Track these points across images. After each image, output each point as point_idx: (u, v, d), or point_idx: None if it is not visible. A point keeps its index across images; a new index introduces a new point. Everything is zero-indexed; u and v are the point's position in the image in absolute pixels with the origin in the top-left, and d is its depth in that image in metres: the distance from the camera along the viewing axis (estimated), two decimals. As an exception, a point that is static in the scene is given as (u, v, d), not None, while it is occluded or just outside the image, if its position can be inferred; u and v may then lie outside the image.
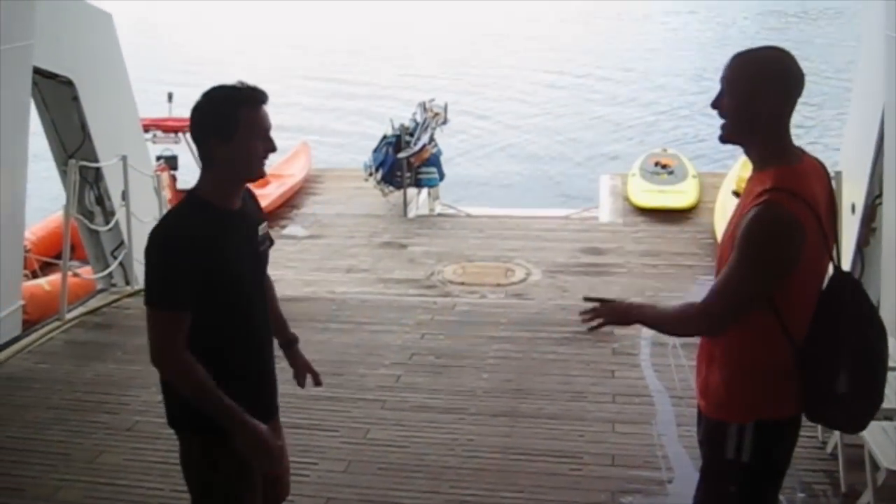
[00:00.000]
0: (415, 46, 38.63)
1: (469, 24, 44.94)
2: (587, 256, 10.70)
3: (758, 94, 2.90)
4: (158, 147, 12.74)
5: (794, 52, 2.96)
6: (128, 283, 8.94)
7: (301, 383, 3.77)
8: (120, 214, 8.82)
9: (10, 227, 7.52)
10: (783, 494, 4.79)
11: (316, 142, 19.93)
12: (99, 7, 8.96)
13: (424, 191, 13.72)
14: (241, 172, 3.14)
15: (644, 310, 3.25)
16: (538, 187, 19.61)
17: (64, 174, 8.40)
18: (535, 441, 5.68)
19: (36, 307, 8.36)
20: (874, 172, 6.96)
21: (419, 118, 13.97)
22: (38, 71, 7.69)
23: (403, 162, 12.79)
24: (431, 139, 13.67)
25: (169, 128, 12.85)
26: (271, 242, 3.47)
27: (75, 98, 8.35)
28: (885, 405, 4.82)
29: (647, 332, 7.47)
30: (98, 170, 8.66)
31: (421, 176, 13.34)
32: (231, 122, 3.02)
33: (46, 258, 10.38)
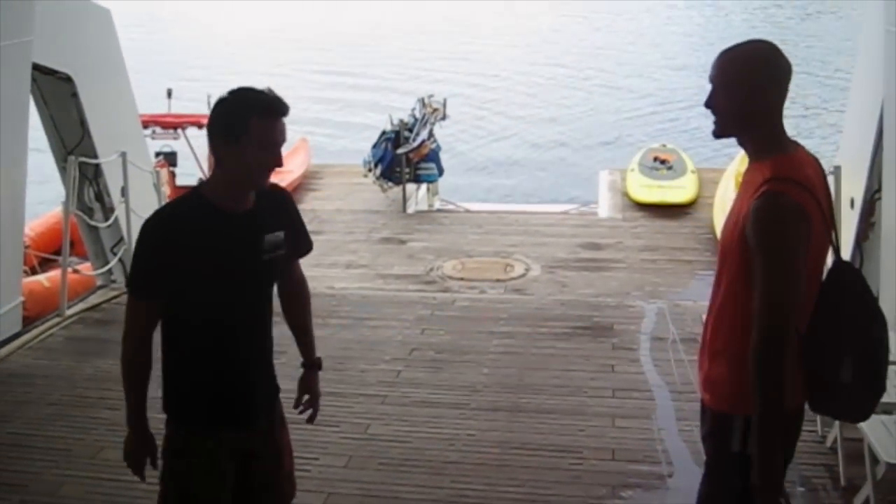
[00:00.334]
0: (416, 41, 38.63)
1: (468, 19, 44.95)
2: (586, 252, 10.71)
3: (754, 89, 2.92)
4: (158, 143, 12.74)
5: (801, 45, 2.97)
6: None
7: (296, 405, 3.67)
8: (119, 211, 8.82)
9: (10, 224, 7.52)
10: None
11: (318, 134, 20.04)
12: (98, 3, 8.95)
13: (423, 186, 13.73)
14: (242, 179, 3.09)
15: (760, 422, 2.86)
16: (538, 180, 19.68)
17: (63, 170, 8.40)
18: (535, 436, 5.69)
19: (35, 303, 8.36)
20: (873, 167, 6.96)
21: (418, 114, 13.97)
22: (37, 67, 7.69)
23: (402, 157, 12.78)
24: (430, 135, 13.67)
25: (168, 124, 12.84)
26: (300, 250, 3.47)
27: (74, 94, 8.34)
28: (884, 399, 4.87)
29: (646, 327, 7.50)
30: (97, 166, 8.66)
31: (420, 171, 13.34)
32: (239, 127, 3.00)
33: (45, 254, 10.38)
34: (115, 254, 8.93)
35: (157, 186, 9.70)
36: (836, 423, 5.09)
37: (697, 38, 37.27)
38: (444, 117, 14.57)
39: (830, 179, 6.98)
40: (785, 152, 2.95)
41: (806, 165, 2.97)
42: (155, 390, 3.25)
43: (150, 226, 3.11)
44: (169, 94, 13.04)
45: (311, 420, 3.69)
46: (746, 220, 2.86)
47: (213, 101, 3.11)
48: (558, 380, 6.50)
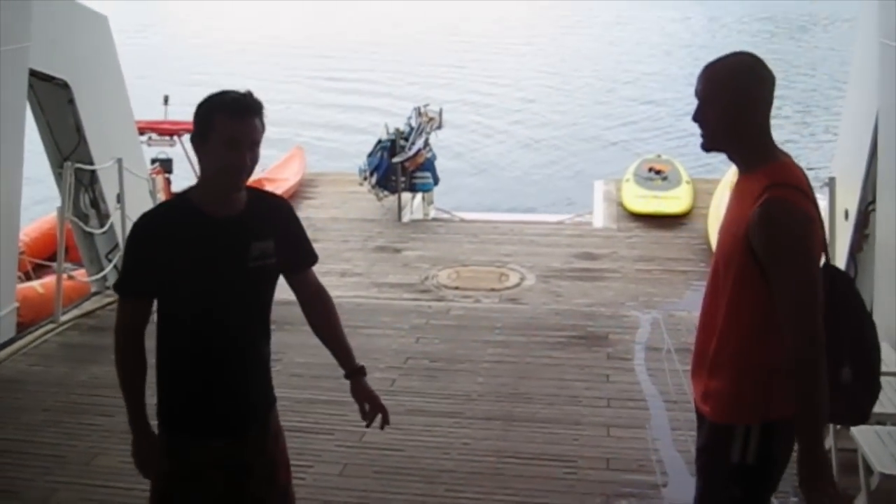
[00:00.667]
0: (415, 47, 38.76)
1: (465, 26, 45.08)
2: (581, 261, 10.71)
3: (739, 102, 2.94)
4: (154, 150, 12.74)
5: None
6: (122, 285, 8.91)
7: (364, 418, 3.54)
8: (115, 217, 8.81)
9: (5, 229, 7.52)
10: (777, 498, 4.81)
11: (314, 142, 20.05)
12: (95, 10, 8.95)
13: (419, 195, 13.73)
14: (214, 178, 3.08)
15: (808, 433, 2.88)
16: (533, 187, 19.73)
17: (59, 176, 8.39)
18: (530, 445, 5.69)
19: (29, 309, 8.35)
20: (867, 178, 6.98)
21: (414, 123, 13.99)
22: (33, 73, 7.70)
23: (398, 166, 12.79)
24: (426, 144, 13.69)
25: (164, 131, 12.83)
26: (301, 262, 3.45)
27: (71, 100, 8.34)
28: (878, 409, 4.88)
29: (641, 337, 7.51)
30: (93, 172, 8.66)
31: (415, 180, 13.34)
32: (207, 127, 3.01)
33: (40, 260, 10.37)
34: (110, 260, 8.92)
35: (152, 193, 9.71)
36: (831, 433, 5.09)
37: (694, 47, 37.42)
38: (439, 126, 14.59)
39: (825, 191, 7.07)
40: (778, 160, 2.98)
41: (798, 171, 3.00)
42: (149, 397, 3.26)
43: (135, 227, 3.16)
44: (165, 100, 13.05)
45: (382, 426, 3.56)
46: (750, 230, 2.86)
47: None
48: (553, 389, 6.51)
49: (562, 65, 35.25)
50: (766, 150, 3.00)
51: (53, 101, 8.36)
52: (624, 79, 32.51)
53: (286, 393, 5.35)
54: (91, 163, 8.56)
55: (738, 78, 2.96)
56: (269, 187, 13.64)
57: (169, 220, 3.13)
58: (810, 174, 3.14)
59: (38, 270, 10.29)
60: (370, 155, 13.36)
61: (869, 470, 4.53)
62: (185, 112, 3.47)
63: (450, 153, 19.52)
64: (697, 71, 3.07)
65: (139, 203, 8.89)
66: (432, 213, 13.92)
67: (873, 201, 6.88)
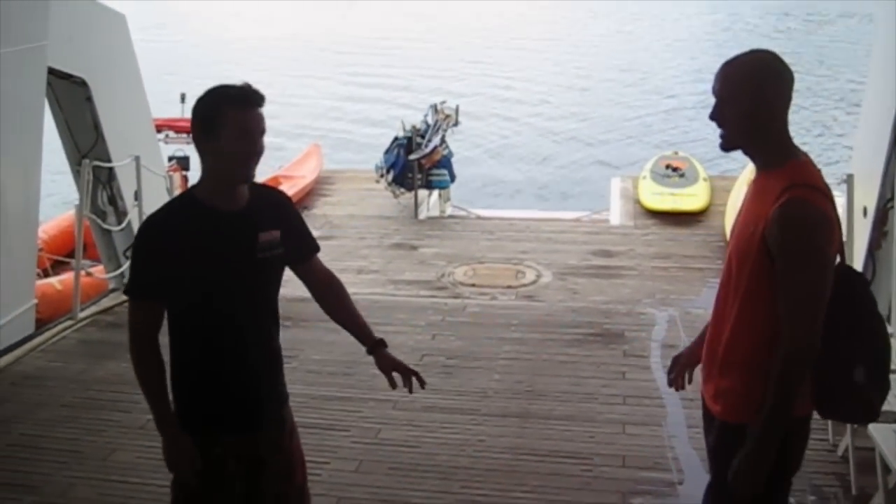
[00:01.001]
0: (432, 46, 38.77)
1: (485, 24, 45.05)
2: (598, 259, 10.70)
3: (757, 100, 2.92)
4: (171, 147, 12.79)
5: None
6: (140, 282, 8.95)
7: (393, 384, 3.58)
8: (132, 214, 8.85)
9: (24, 227, 7.57)
10: (794, 497, 4.79)
11: (330, 139, 20.12)
12: (113, 8, 8.99)
13: (435, 192, 13.73)
14: (226, 172, 3.11)
15: (766, 425, 2.90)
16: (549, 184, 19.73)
17: (77, 174, 8.44)
18: (545, 442, 5.69)
19: (48, 306, 8.39)
20: (886, 176, 6.94)
21: (430, 120, 13.98)
22: (52, 71, 7.74)
23: (414, 164, 12.80)
24: (442, 141, 13.68)
25: (181, 128, 12.86)
26: (305, 252, 3.45)
27: (89, 98, 8.38)
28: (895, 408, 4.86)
29: (657, 334, 7.49)
30: (111, 170, 8.70)
31: (432, 178, 13.34)
32: (216, 121, 3.03)
33: (58, 257, 10.43)
34: (127, 257, 8.95)
35: (169, 191, 9.75)
36: (848, 431, 5.08)
37: (711, 43, 37.27)
38: (456, 123, 14.57)
39: (843, 188, 7.04)
40: (798, 158, 2.96)
41: (816, 171, 2.98)
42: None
43: (144, 229, 3.18)
44: (182, 98, 13.08)
45: (422, 385, 3.61)
46: (768, 229, 2.84)
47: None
48: (569, 386, 6.50)
49: (582, 60, 35.17)
50: (785, 148, 2.98)
51: (71, 98, 8.40)
52: (641, 74, 32.45)
53: (302, 389, 5.39)
54: (109, 160, 8.60)
55: (756, 76, 2.94)
56: (285, 185, 13.70)
57: (177, 219, 3.13)
58: (826, 171, 3.13)
59: (57, 267, 10.35)
60: (387, 152, 13.36)
61: (886, 469, 4.51)
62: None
63: (470, 145, 19.56)
64: (716, 67, 3.06)
65: (156, 200, 8.92)
66: (449, 211, 13.92)
67: (892, 198, 6.85)
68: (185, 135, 12.86)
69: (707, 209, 12.37)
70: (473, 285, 9.87)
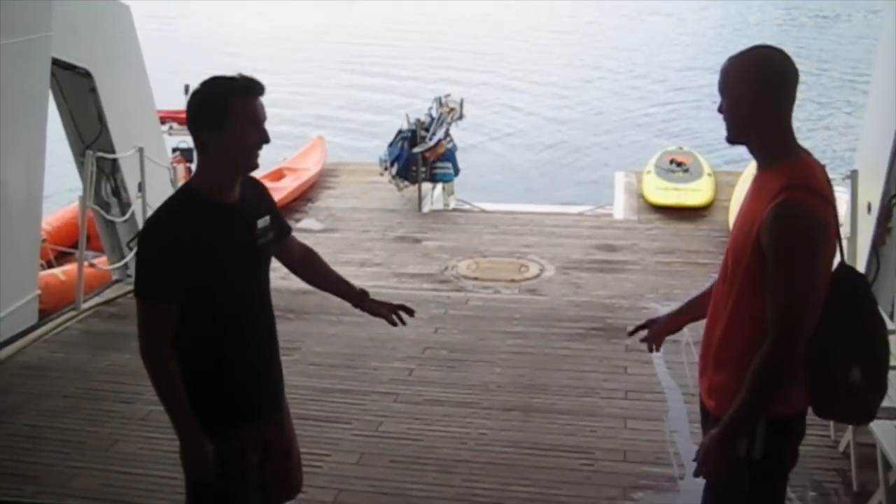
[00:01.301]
0: (440, 39, 38.75)
1: (488, 18, 45.01)
2: (601, 253, 10.69)
3: (758, 96, 2.91)
4: (175, 139, 12.79)
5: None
6: (143, 274, 8.97)
7: (393, 322, 3.77)
8: (136, 206, 8.86)
9: (28, 217, 7.58)
10: (795, 492, 4.81)
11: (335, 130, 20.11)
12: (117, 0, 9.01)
13: (439, 186, 13.72)
14: (232, 163, 3.13)
15: (734, 417, 2.92)
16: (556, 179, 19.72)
17: (81, 165, 8.44)
18: (547, 436, 5.70)
19: (51, 297, 8.41)
20: (891, 171, 6.93)
21: (435, 113, 13.97)
22: (56, 62, 7.74)
23: (418, 157, 12.78)
24: (447, 134, 13.67)
25: (185, 120, 12.85)
26: (283, 233, 3.51)
27: (93, 89, 8.39)
28: (897, 404, 4.85)
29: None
30: (115, 161, 8.70)
31: (436, 171, 13.33)
32: (222, 111, 3.04)
33: (62, 248, 10.44)
34: (131, 249, 8.96)
35: (173, 182, 9.73)
36: (849, 428, 5.07)
37: (715, 39, 37.20)
38: (460, 117, 14.55)
39: (847, 183, 7.02)
40: (798, 159, 2.94)
41: (817, 171, 2.96)
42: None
43: (151, 231, 3.15)
44: (186, 90, 13.06)
45: (408, 311, 3.79)
46: (762, 229, 2.84)
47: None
48: (571, 380, 6.50)
49: (589, 54, 35.13)
50: (787, 147, 2.97)
51: (76, 89, 8.40)
52: (646, 69, 32.41)
53: (304, 382, 5.41)
54: (113, 151, 8.60)
55: (760, 71, 2.93)
56: (289, 177, 13.71)
57: (183, 217, 3.11)
58: (829, 167, 3.12)
59: (60, 258, 10.37)
60: (391, 145, 13.35)
61: (887, 465, 4.51)
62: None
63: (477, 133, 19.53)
64: (723, 61, 3.05)
65: (160, 192, 8.92)
66: (452, 204, 13.90)
67: (896, 195, 6.83)
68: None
69: (711, 204, 12.34)
70: (476, 279, 9.87)
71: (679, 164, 13.49)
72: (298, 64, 32.52)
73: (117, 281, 8.92)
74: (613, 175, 14.97)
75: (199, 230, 3.08)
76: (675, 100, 27.21)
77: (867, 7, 39.28)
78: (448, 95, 14.57)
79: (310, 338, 7.07)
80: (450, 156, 13.54)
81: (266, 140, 3.13)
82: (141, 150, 8.71)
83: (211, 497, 3.31)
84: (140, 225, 8.85)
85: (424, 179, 13.05)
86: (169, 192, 9.24)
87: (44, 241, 9.31)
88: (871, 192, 7.15)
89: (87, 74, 8.31)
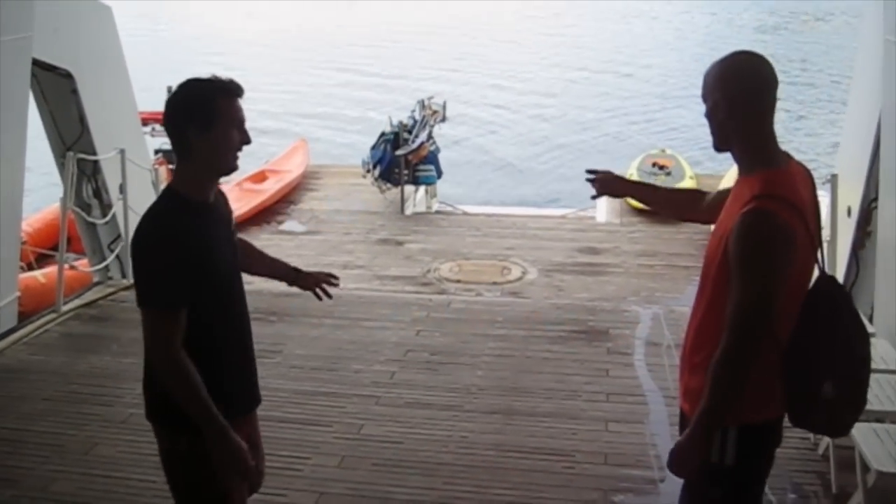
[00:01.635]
0: (423, 41, 38.82)
1: (475, 19, 45.11)
2: (583, 256, 10.71)
3: (732, 101, 2.91)
4: (157, 140, 12.73)
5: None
6: (124, 276, 8.95)
7: (317, 297, 3.84)
8: (117, 207, 8.82)
9: (8, 219, 7.52)
10: (775, 495, 4.84)
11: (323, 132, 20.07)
12: (99, 0, 8.95)
13: (422, 188, 13.73)
14: (217, 164, 3.13)
15: (699, 418, 2.95)
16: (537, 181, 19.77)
17: (62, 166, 8.39)
18: (528, 439, 5.70)
19: (31, 299, 8.37)
20: (870, 176, 6.97)
21: (418, 116, 13.98)
22: (37, 63, 7.69)
23: (401, 159, 12.78)
24: (430, 137, 13.68)
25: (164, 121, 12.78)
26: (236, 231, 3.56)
27: (74, 90, 8.34)
28: (876, 407, 4.90)
29: (641, 332, 7.51)
30: (96, 162, 8.66)
31: (419, 173, 13.33)
32: (209, 112, 3.04)
33: (42, 250, 10.38)
34: (112, 250, 8.93)
35: (155, 184, 9.70)
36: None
37: (698, 43, 37.35)
38: (443, 119, 14.57)
39: (827, 188, 7.06)
40: (775, 167, 2.94)
41: (796, 180, 2.95)
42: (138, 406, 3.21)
43: (148, 234, 3.08)
44: (169, 91, 13.01)
45: (335, 283, 3.89)
46: (730, 235, 2.85)
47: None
48: (553, 383, 6.50)
49: (572, 57, 35.23)
50: (766, 154, 2.96)
51: (57, 90, 8.35)
52: (626, 71, 32.53)
53: (285, 384, 5.39)
54: (94, 153, 8.56)
55: (736, 78, 2.93)
56: (272, 179, 13.69)
57: (179, 221, 3.09)
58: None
59: (41, 260, 10.32)
60: (374, 147, 13.35)
61: (866, 467, 4.53)
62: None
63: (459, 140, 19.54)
64: (706, 65, 3.05)
65: (142, 193, 8.91)
66: (435, 206, 13.92)
67: (876, 199, 6.87)
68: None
69: (693, 208, 12.36)
70: (459, 281, 9.87)
71: (661, 167, 13.53)
72: (282, 65, 32.51)
73: (98, 283, 8.88)
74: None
75: (194, 232, 3.08)
76: (659, 103, 27.32)
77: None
78: (431, 98, 14.59)
79: (291, 340, 7.05)
80: (432, 158, 13.55)
81: (247, 141, 3.15)
82: (122, 152, 8.67)
83: (213, 498, 3.31)
84: (121, 226, 8.82)
85: (407, 182, 13.05)
86: (151, 193, 9.29)
87: (24, 242, 9.24)
88: (852, 197, 7.19)
89: (68, 75, 8.27)
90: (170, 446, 3.29)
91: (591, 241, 11.27)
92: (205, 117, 3.04)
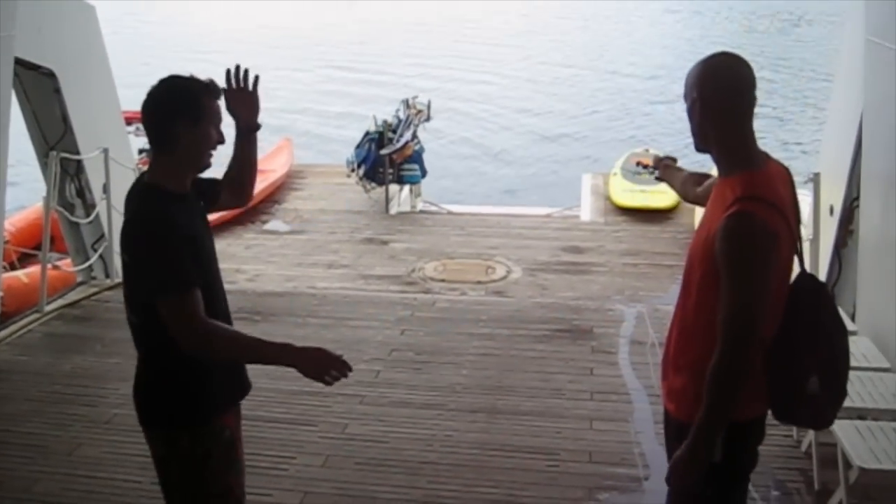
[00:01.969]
0: (410, 39, 38.86)
1: (462, 17, 45.17)
2: (568, 255, 10.74)
3: (708, 102, 2.93)
4: (141, 140, 12.67)
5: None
6: (108, 276, 8.92)
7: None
8: (101, 207, 8.79)
9: (-10, 219, 7.48)
10: (758, 492, 4.86)
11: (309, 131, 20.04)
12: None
13: (406, 187, 13.73)
14: (195, 159, 3.20)
15: (699, 427, 2.94)
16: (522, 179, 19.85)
17: (45, 166, 8.36)
18: (513, 437, 5.71)
19: (13, 299, 8.33)
20: (852, 175, 7.01)
21: (402, 115, 13.98)
22: (19, 62, 7.65)
23: (386, 158, 12.79)
24: (414, 136, 13.68)
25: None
26: (215, 195, 3.57)
27: (57, 90, 8.29)
28: (858, 404, 4.93)
29: (625, 331, 7.53)
30: (79, 162, 8.62)
31: (403, 173, 13.34)
32: (198, 107, 3.12)
33: (25, 249, 10.33)
34: (95, 250, 8.90)
35: (138, 184, 9.66)
36: (811, 428, 5.13)
37: (685, 42, 37.48)
38: (428, 119, 14.59)
39: (810, 186, 7.09)
40: (754, 168, 2.95)
41: (776, 180, 2.97)
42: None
43: (151, 227, 3.07)
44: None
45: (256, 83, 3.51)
46: (715, 238, 2.86)
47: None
48: (537, 382, 6.52)
49: (558, 55, 35.31)
50: (745, 155, 2.97)
51: (39, 90, 8.31)
52: (610, 69, 32.63)
53: (270, 384, 5.37)
54: (77, 152, 8.52)
55: (712, 78, 2.95)
56: (257, 178, 13.63)
57: (172, 209, 3.11)
58: (792, 170, 3.14)
59: (24, 260, 10.26)
60: (358, 147, 13.35)
61: (848, 464, 4.56)
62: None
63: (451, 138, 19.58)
64: (688, 65, 3.07)
65: (125, 193, 8.86)
66: (420, 206, 13.92)
67: (858, 197, 6.91)
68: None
69: (677, 207, 12.42)
70: (443, 280, 9.88)
71: (645, 167, 13.52)
72: (275, 63, 32.48)
73: (81, 283, 8.84)
74: (580, 177, 15.05)
75: (185, 221, 3.13)
76: (644, 101, 27.42)
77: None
78: (416, 97, 14.60)
79: (276, 339, 7.03)
80: (417, 158, 13.56)
81: (222, 141, 3.24)
82: (106, 151, 8.64)
83: (217, 492, 3.31)
84: (105, 226, 8.78)
85: (392, 181, 13.05)
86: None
87: (6, 242, 9.20)
88: (834, 195, 7.23)
89: (51, 74, 8.23)
90: (168, 449, 3.28)
91: (576, 240, 11.30)
92: (194, 112, 3.11)
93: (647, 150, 14.79)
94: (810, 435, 5.19)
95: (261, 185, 13.34)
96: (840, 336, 3.05)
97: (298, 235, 11.84)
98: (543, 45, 38.22)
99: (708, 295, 2.92)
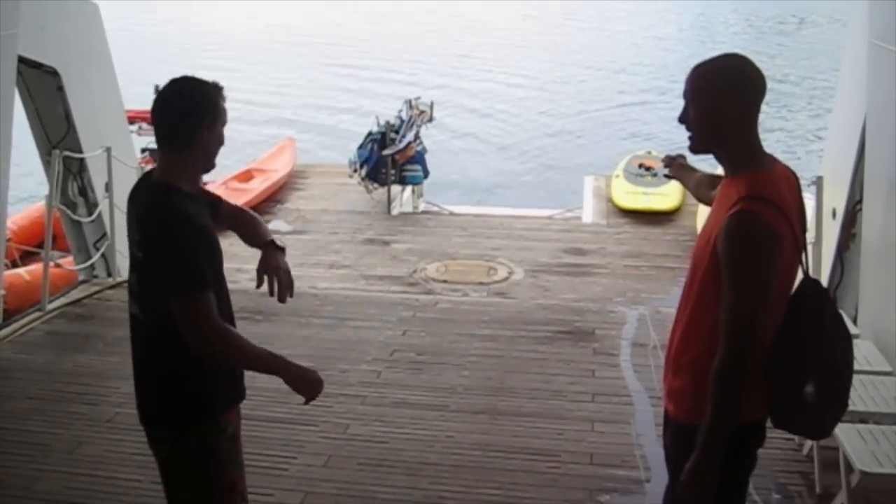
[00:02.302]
0: (413, 40, 38.88)
1: (466, 18, 45.20)
2: (570, 256, 10.73)
3: (720, 103, 2.91)
4: (143, 139, 12.68)
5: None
6: (109, 274, 8.92)
7: (259, 284, 3.48)
8: (103, 206, 8.79)
9: (-8, 216, 7.49)
10: (759, 495, 4.86)
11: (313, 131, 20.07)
12: (87, -2, 8.93)
13: (408, 188, 13.72)
14: (211, 157, 3.24)
15: (707, 431, 2.89)
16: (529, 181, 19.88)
17: (47, 164, 8.36)
18: (514, 439, 5.71)
19: (15, 297, 8.32)
20: (855, 178, 7.01)
21: (405, 115, 13.96)
22: (22, 60, 7.65)
23: (388, 159, 12.78)
24: (417, 137, 13.67)
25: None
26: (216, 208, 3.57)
27: (60, 88, 8.30)
28: (860, 408, 4.92)
29: (627, 333, 7.53)
30: (82, 161, 8.62)
31: (405, 173, 13.31)
32: (216, 108, 3.17)
33: (28, 248, 10.33)
34: (97, 249, 8.90)
35: (141, 182, 9.66)
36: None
37: (685, 43, 37.47)
38: (430, 119, 14.56)
39: (813, 189, 7.09)
40: (760, 169, 2.95)
41: (781, 182, 2.96)
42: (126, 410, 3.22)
43: (182, 223, 3.08)
44: (156, 90, 12.95)
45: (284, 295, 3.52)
46: (718, 238, 2.85)
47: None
48: (538, 383, 6.52)
49: (558, 57, 35.30)
50: (750, 156, 2.97)
51: (42, 88, 8.31)
52: (616, 69, 32.64)
53: (271, 384, 5.33)
54: (80, 151, 8.52)
55: (720, 79, 2.94)
56: (258, 178, 13.66)
57: (191, 208, 3.14)
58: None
59: (26, 258, 10.25)
60: (360, 147, 13.33)
61: (849, 468, 4.55)
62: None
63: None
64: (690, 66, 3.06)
65: (128, 192, 8.86)
66: (422, 206, 13.91)
67: (861, 200, 6.91)
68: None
69: (679, 209, 12.41)
70: (445, 281, 9.87)
71: (648, 169, 13.56)
72: (279, 64, 32.55)
73: (83, 281, 8.85)
74: (583, 178, 15.04)
75: (201, 221, 3.16)
76: (646, 101, 27.42)
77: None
78: (418, 98, 14.58)
79: (278, 340, 7.02)
80: (419, 158, 13.53)
81: (223, 142, 3.27)
82: (108, 150, 8.65)
83: (223, 488, 3.32)
84: (107, 225, 8.78)
85: (394, 182, 13.04)
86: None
87: (9, 240, 9.20)
88: (836, 198, 7.23)
89: (54, 73, 8.23)
90: (173, 449, 3.29)
91: (578, 242, 11.29)
92: (213, 113, 3.17)
93: (649, 153, 14.77)
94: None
95: (263, 185, 13.36)
96: (843, 344, 3.02)
97: (300, 235, 11.82)
98: (554, 44, 38.22)
99: (709, 295, 2.92)
